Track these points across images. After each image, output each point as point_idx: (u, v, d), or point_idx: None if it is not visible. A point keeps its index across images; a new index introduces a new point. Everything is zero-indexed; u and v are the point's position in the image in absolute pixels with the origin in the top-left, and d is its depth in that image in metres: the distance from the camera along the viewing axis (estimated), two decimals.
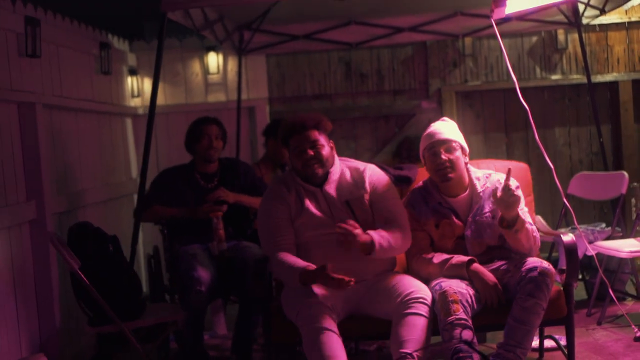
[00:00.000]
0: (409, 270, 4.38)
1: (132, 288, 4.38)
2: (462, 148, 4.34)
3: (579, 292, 6.37)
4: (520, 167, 4.88)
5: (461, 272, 4.16)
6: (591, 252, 5.39)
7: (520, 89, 6.95)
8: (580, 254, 5.65)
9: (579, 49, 7.27)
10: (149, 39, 7.70)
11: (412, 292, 4.01)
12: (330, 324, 3.89)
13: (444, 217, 4.32)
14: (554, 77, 7.56)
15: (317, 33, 7.11)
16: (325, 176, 4.27)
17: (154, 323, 4.41)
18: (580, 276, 6.46)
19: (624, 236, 5.99)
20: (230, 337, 5.39)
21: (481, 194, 4.33)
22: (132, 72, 7.55)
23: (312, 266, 4.02)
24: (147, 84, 7.63)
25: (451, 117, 7.31)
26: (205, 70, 7.67)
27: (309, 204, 4.22)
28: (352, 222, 4.06)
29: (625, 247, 5.40)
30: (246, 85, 7.62)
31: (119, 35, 7.30)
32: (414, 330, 3.91)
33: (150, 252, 5.56)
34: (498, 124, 7.58)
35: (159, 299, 5.39)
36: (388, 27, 7.09)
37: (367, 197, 4.28)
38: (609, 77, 7.52)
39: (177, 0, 4.78)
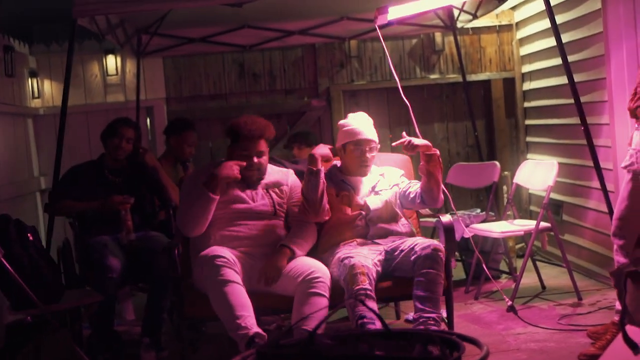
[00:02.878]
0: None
1: (52, 273, 4.70)
2: (376, 147, 4.95)
3: (458, 272, 6.85)
4: (403, 159, 5.36)
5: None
6: (468, 234, 5.94)
7: (402, 87, 7.56)
8: (457, 236, 6.19)
9: (454, 51, 7.71)
10: (40, 42, 7.90)
11: (312, 272, 4.45)
12: (235, 276, 4.33)
13: (344, 189, 4.87)
14: (433, 76, 8.00)
15: (212, 36, 7.45)
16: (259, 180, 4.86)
17: (74, 305, 4.74)
18: (458, 258, 7.02)
19: (497, 219, 6.51)
20: (138, 323, 5.73)
21: (378, 175, 4.95)
22: (33, 74, 7.76)
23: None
24: (47, 86, 7.86)
25: (339, 115, 7.80)
26: (104, 72, 7.90)
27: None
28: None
29: (497, 228, 5.97)
30: (144, 86, 7.85)
31: (19, 39, 7.51)
32: (316, 308, 4.34)
33: (61, 244, 5.83)
34: (382, 120, 7.90)
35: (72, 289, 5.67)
36: (279, 31, 7.46)
37: (286, 189, 4.86)
38: (482, 76, 7.99)
39: (87, 7, 5.10)
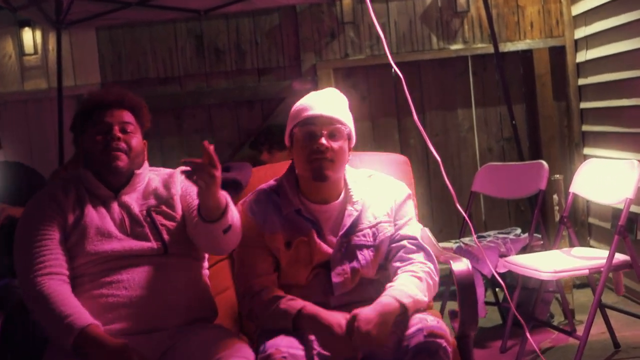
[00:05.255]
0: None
1: None
2: (350, 137, 3.00)
3: (492, 314, 5.20)
4: (397, 160, 3.58)
5: (287, 324, 2.78)
6: (502, 268, 4.14)
7: (413, 62, 6.10)
8: (488, 271, 4.44)
9: (483, 12, 6.17)
10: None
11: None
12: None
13: (301, 232, 2.93)
14: (454, 46, 6.43)
15: None
16: (128, 179, 3.04)
17: None
18: (490, 300, 5.28)
19: (545, 245, 4.78)
20: None
21: (358, 203, 2.99)
22: None
23: (98, 328, 2.75)
24: None
25: None
26: (21, 51, 6.27)
27: (92, 212, 2.97)
28: None
29: (546, 264, 4.06)
30: (72, 68, 6.29)
31: None
32: None
33: None
34: (388, 107, 6.42)
35: None
36: None
37: (178, 200, 3.07)
38: (521, 45, 6.47)
39: None
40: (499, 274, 4.40)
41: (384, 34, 6.17)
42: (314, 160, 2.86)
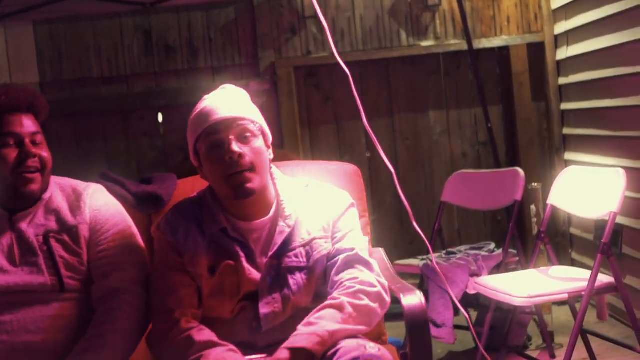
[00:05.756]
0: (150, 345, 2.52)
1: None
2: (264, 134, 2.54)
3: (464, 337, 4.71)
4: (346, 170, 3.15)
5: None
6: (470, 291, 3.86)
7: (380, 60, 5.78)
8: (457, 291, 4.04)
9: (456, 6, 5.79)
10: None
11: None
12: None
13: (227, 256, 2.46)
14: (425, 43, 5.97)
15: None
16: (34, 202, 2.58)
17: None
18: (461, 323, 4.83)
19: (521, 263, 4.30)
20: None
21: (291, 217, 2.52)
22: None
23: None
24: None
25: (290, 102, 5.65)
26: None
27: None
28: None
29: (520, 288, 3.60)
30: (7, 65, 5.82)
31: None
32: None
33: None
34: (354, 108, 5.79)
35: None
36: None
37: (84, 230, 2.54)
38: (497, 42, 6.04)
39: None
40: (471, 295, 4.02)
41: (350, 31, 5.85)
42: (232, 177, 2.40)
